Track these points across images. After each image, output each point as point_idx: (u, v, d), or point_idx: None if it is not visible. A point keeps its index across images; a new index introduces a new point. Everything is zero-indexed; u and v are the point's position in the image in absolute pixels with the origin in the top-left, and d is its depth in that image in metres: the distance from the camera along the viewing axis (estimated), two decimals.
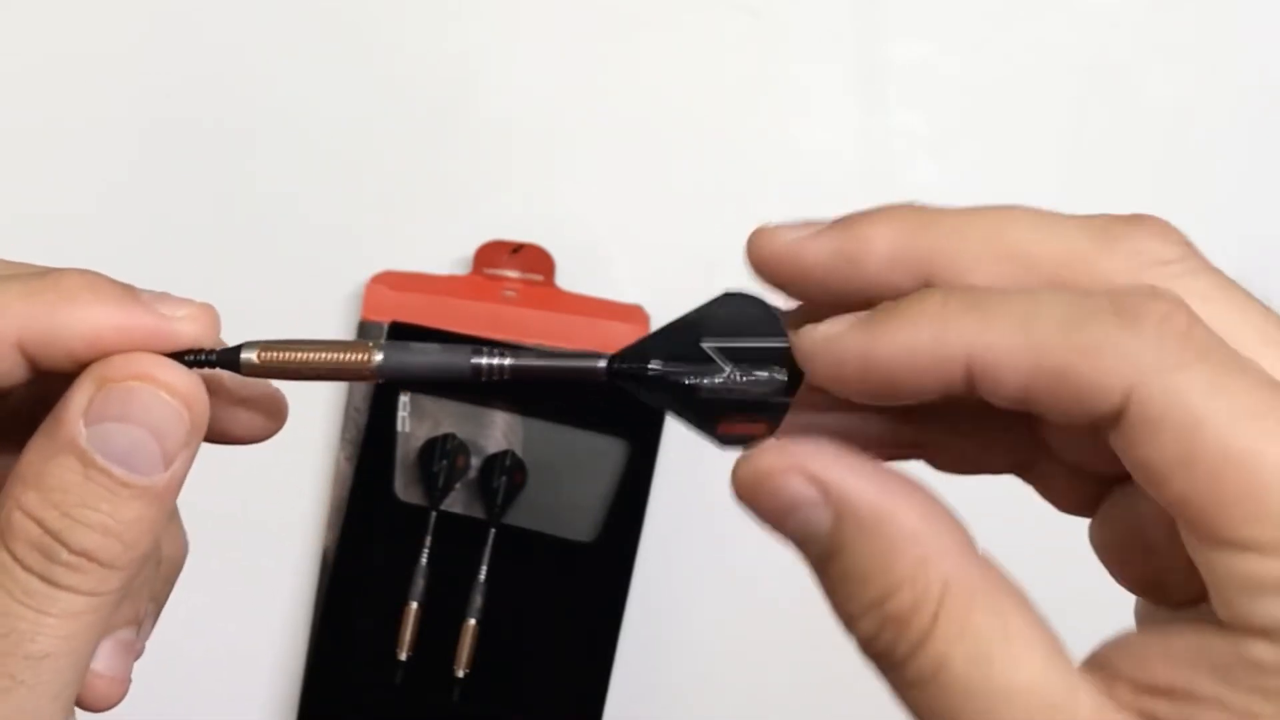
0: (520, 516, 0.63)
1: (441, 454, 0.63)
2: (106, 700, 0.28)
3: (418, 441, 0.64)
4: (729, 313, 0.26)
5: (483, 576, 0.62)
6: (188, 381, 0.26)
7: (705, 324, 0.26)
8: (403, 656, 0.62)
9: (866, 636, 0.23)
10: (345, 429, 0.64)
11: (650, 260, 0.67)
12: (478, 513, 0.63)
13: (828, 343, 0.24)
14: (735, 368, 0.25)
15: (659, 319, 0.65)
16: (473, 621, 0.62)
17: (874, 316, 0.24)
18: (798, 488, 0.23)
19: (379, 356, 0.26)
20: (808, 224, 0.25)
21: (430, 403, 0.64)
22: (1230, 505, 0.21)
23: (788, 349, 0.25)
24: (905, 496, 0.23)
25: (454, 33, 0.69)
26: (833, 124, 0.69)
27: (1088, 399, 0.22)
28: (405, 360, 0.26)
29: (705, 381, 0.26)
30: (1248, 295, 0.24)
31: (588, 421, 0.64)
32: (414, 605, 0.62)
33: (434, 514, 0.63)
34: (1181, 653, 0.22)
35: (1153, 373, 0.21)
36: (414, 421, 0.64)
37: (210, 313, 0.27)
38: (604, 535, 0.63)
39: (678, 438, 0.64)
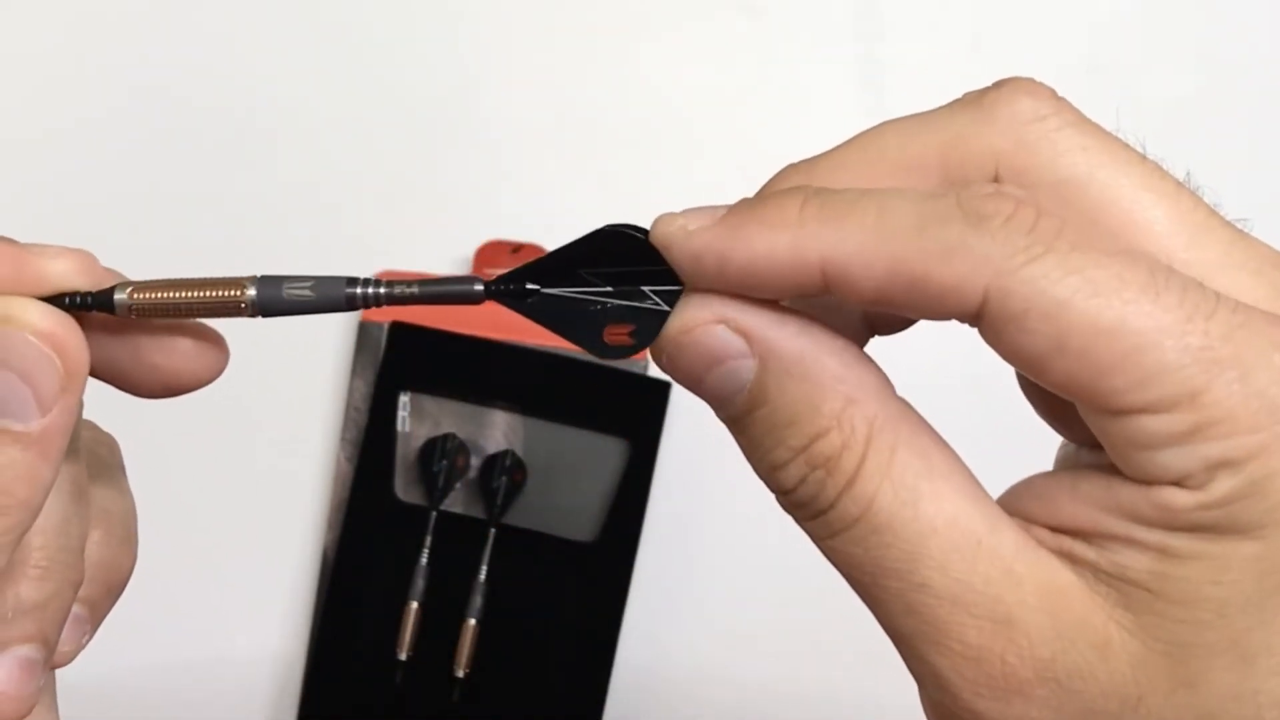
0: (520, 516, 0.63)
1: (441, 454, 0.63)
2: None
3: (418, 441, 0.64)
4: (609, 245, 0.25)
5: (483, 576, 0.62)
6: (55, 322, 0.25)
7: (586, 255, 0.26)
8: (403, 656, 0.62)
9: (793, 484, 0.23)
10: (345, 429, 0.64)
11: None
12: (478, 513, 0.63)
13: (686, 236, 0.24)
14: (614, 289, 0.25)
15: None
16: (473, 621, 0.62)
17: (735, 216, 0.23)
18: (723, 337, 0.23)
19: (251, 292, 0.26)
20: (707, 213, 0.24)
21: (430, 403, 0.64)
22: (1111, 378, 0.21)
23: (667, 271, 0.25)
24: (828, 341, 0.23)
25: (454, 35, 0.69)
26: (833, 124, 0.69)
27: (946, 302, 0.22)
28: (279, 295, 0.26)
29: (584, 296, 0.26)
30: (1125, 145, 0.24)
31: (588, 421, 0.64)
32: (414, 605, 0.62)
33: (434, 514, 0.63)
34: (1089, 496, 0.22)
35: (1006, 271, 0.21)
36: (414, 421, 0.64)
37: (82, 255, 0.26)
38: (604, 535, 0.63)
39: (678, 438, 0.64)
